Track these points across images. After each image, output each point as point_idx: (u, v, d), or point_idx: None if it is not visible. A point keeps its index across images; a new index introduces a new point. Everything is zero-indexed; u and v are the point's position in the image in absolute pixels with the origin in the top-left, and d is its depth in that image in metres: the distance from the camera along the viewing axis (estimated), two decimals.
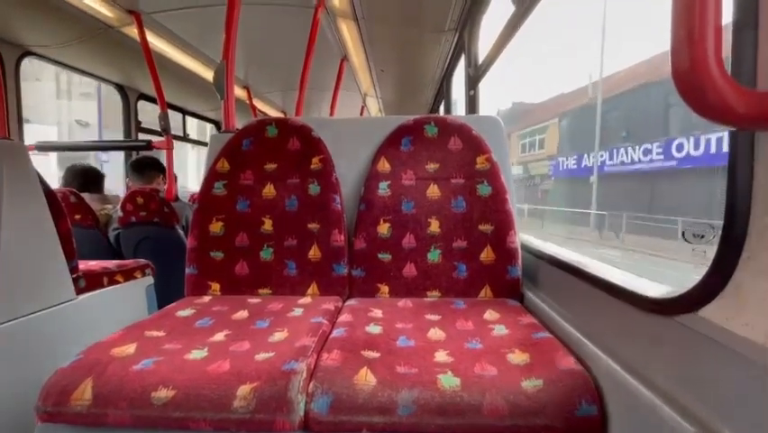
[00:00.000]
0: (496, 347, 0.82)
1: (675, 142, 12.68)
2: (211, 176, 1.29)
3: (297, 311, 1.03)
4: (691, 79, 0.35)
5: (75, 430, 0.71)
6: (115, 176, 3.58)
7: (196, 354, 0.78)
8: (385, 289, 1.20)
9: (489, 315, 1.01)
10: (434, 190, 1.24)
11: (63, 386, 0.71)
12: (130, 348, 0.81)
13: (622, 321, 0.68)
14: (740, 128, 0.43)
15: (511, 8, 1.42)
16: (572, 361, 0.74)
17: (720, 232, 0.47)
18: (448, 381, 0.70)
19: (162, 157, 2.60)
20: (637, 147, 14.34)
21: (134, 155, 3.05)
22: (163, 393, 0.68)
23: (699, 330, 0.50)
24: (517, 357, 0.77)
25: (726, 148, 0.47)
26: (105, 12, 2.00)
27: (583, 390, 0.67)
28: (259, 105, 4.03)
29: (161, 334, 0.89)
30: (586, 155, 17.19)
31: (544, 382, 0.69)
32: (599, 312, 0.77)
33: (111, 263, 1.55)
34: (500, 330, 0.91)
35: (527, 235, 1.35)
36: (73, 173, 2.41)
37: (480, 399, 0.66)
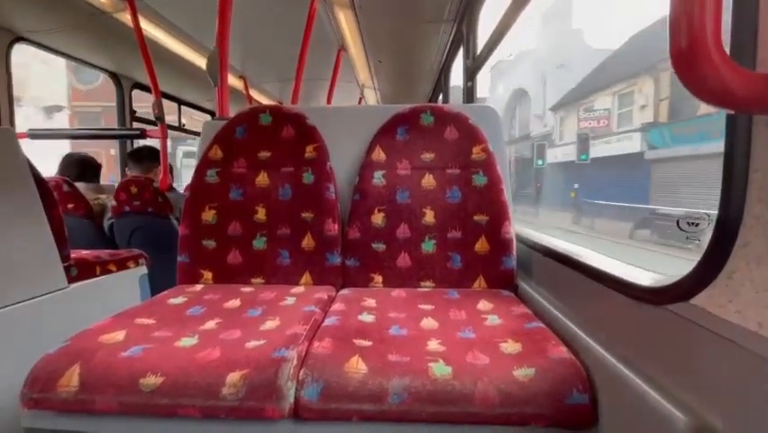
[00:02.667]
0: (488, 337, 0.81)
1: None
2: (203, 163, 1.27)
3: (290, 300, 1.03)
4: (690, 60, 0.34)
5: (61, 417, 0.71)
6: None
7: (186, 342, 0.78)
8: (378, 278, 1.20)
9: (483, 305, 1.00)
10: (429, 180, 1.23)
11: (49, 372, 0.70)
12: (119, 335, 0.80)
13: (614, 310, 0.68)
14: (738, 111, 0.42)
15: None
16: (564, 350, 0.73)
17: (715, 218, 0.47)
18: (440, 369, 0.69)
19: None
20: None
21: (129, 145, 3.03)
22: (151, 380, 0.68)
23: (691, 318, 0.50)
24: (510, 347, 0.77)
25: None
26: None
27: (575, 379, 0.67)
28: (255, 95, 3.99)
29: (151, 321, 0.88)
30: None
31: (535, 370, 0.68)
32: (592, 302, 0.77)
33: (104, 253, 1.53)
34: (493, 320, 0.90)
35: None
36: (69, 162, 2.39)
37: (472, 387, 0.66)
